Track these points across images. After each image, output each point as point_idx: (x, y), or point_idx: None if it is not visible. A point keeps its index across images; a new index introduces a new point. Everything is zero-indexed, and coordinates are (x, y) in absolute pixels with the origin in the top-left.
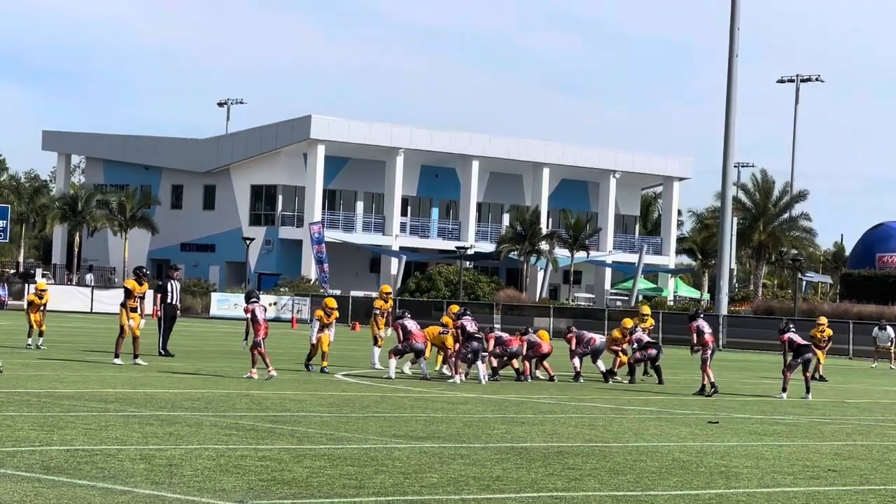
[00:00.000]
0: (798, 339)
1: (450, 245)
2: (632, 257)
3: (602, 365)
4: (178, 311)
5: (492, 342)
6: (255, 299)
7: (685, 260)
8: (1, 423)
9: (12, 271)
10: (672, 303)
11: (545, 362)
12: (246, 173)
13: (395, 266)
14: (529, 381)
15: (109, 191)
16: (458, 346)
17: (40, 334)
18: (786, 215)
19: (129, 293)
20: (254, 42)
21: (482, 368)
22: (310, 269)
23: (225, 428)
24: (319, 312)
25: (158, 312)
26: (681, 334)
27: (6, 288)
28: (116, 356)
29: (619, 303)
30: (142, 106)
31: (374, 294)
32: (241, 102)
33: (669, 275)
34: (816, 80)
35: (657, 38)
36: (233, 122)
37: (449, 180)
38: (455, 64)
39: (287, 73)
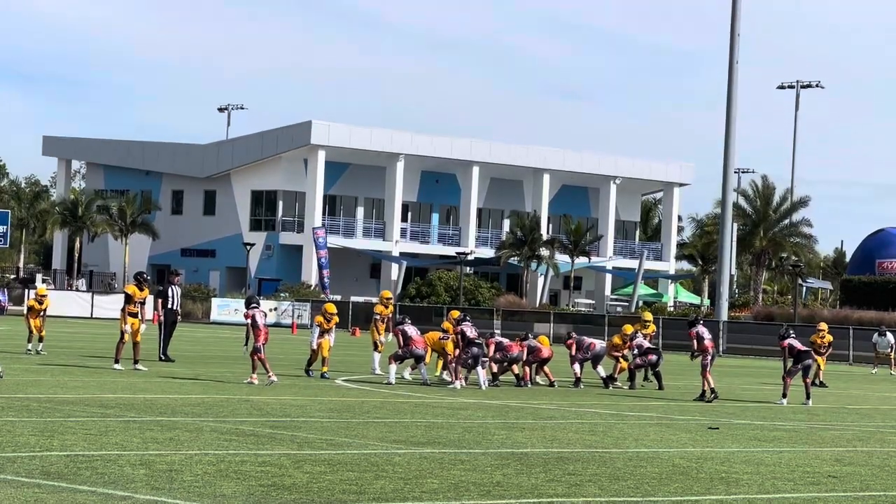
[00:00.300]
0: (798, 344)
1: (450, 251)
2: (632, 263)
3: (602, 371)
4: (179, 317)
5: (492, 347)
6: (255, 305)
7: (685, 266)
8: (1, 429)
9: (12, 276)
10: (672, 309)
11: (546, 367)
12: (246, 179)
13: (395, 271)
14: (529, 386)
15: (110, 196)
16: (458, 351)
17: (40, 339)
18: (786, 221)
19: (129, 298)
20: (254, 47)
21: (482, 374)
22: (310, 275)
23: (225, 433)
24: (319, 318)
25: (160, 317)
26: (681, 340)
27: (6, 293)
28: (116, 361)
29: (619, 308)
30: (142, 111)
31: (375, 299)
32: (242, 108)
33: (670, 281)
34: (817, 86)
35: (658, 44)
36: (233, 128)
37: (449, 186)
38: (455, 69)
39: (287, 79)
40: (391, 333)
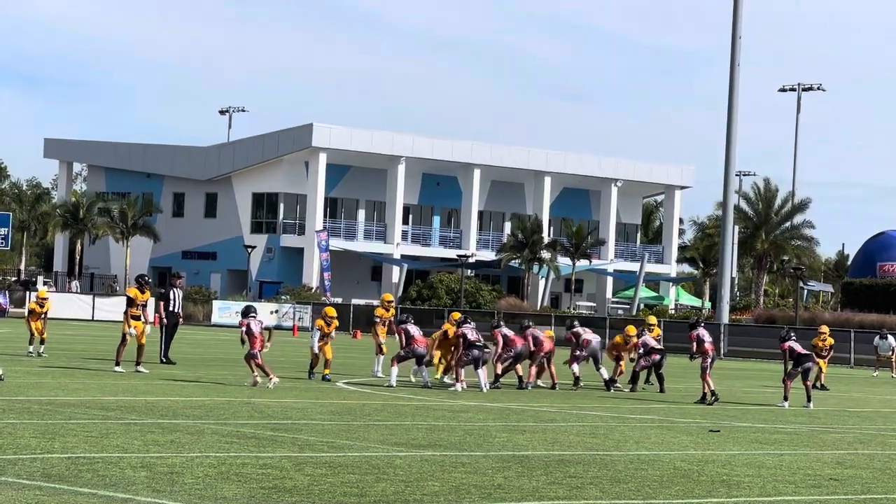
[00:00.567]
0: (798, 347)
1: (451, 253)
2: (633, 266)
3: (605, 373)
4: (181, 319)
5: (499, 337)
6: (252, 315)
7: (686, 268)
8: (2, 431)
9: (13, 279)
10: (673, 311)
11: (551, 366)
12: (247, 181)
13: (396, 274)
14: (530, 388)
15: (111, 198)
16: (459, 353)
17: (41, 342)
18: (787, 224)
19: (131, 301)
20: (255, 50)
21: (483, 376)
22: (311, 277)
23: (226, 436)
24: (320, 322)
25: (161, 320)
26: (682, 343)
27: (7, 296)
28: (117, 364)
29: (620, 311)
30: (143, 114)
31: (376, 302)
32: (243, 110)
33: (671, 283)
34: (818, 88)
35: (659, 46)
36: (234, 130)
37: (450, 188)
38: (456, 71)
39: (289, 81)
40: (395, 333)
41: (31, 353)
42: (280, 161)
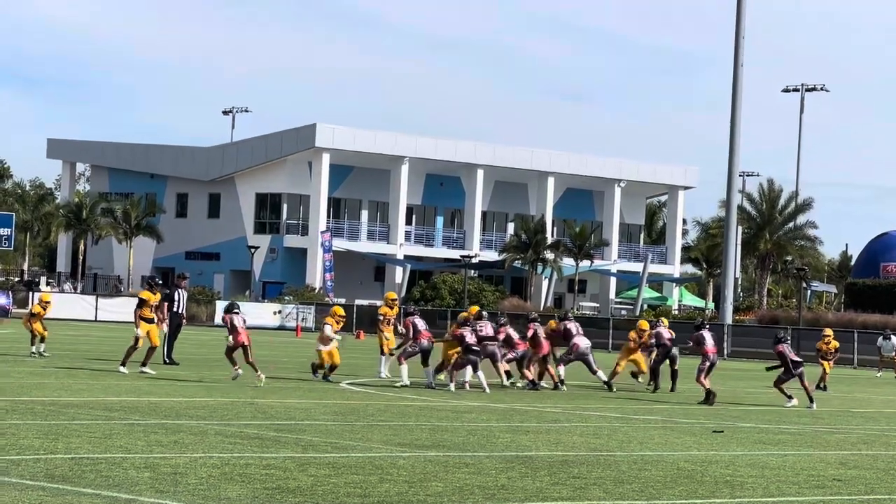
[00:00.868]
0: (791, 353)
1: (454, 254)
2: (636, 266)
3: (602, 375)
4: (184, 320)
5: (502, 336)
6: (235, 311)
7: (690, 269)
8: (5, 432)
9: (17, 279)
10: (677, 312)
11: (550, 367)
12: (251, 181)
13: (399, 275)
14: (519, 387)
15: (114, 199)
16: (456, 355)
17: (42, 339)
18: (791, 224)
19: (143, 303)
20: (259, 50)
21: (483, 378)
22: (314, 278)
23: (229, 436)
24: (330, 319)
25: (165, 321)
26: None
27: (10, 296)
28: (123, 364)
29: (623, 312)
30: (147, 114)
31: (379, 302)
32: (246, 111)
33: (674, 284)
34: (821, 89)
35: (663, 46)
36: (238, 131)
37: (454, 189)
38: (460, 72)
39: (292, 82)
40: (402, 326)
41: (34, 353)
42: (283, 161)
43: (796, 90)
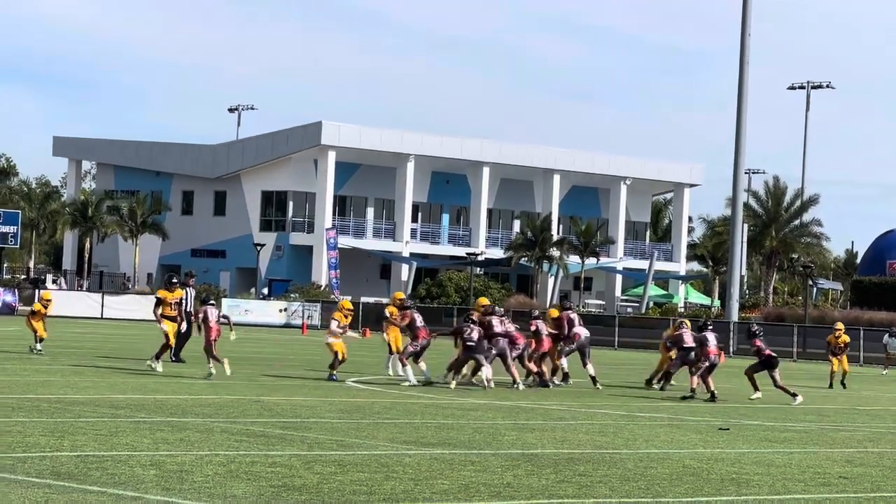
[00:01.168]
0: (765, 348)
1: (460, 251)
2: (642, 264)
3: (591, 369)
4: (193, 318)
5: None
6: (211, 302)
7: (696, 266)
8: (11, 429)
9: (23, 277)
10: (683, 309)
11: (544, 365)
12: (256, 179)
13: (405, 272)
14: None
15: (120, 197)
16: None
17: (39, 340)
18: (796, 222)
19: (160, 301)
20: (264, 48)
21: (487, 372)
22: (320, 275)
23: (235, 434)
24: (338, 314)
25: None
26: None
27: (16, 294)
28: (157, 359)
29: (629, 309)
30: (152, 112)
31: (385, 300)
32: (252, 108)
33: (680, 281)
34: (827, 86)
35: (668, 44)
36: (243, 128)
37: (459, 186)
38: (466, 70)
39: (298, 79)
40: (402, 319)
41: (38, 350)
42: (289, 159)
43: (802, 88)
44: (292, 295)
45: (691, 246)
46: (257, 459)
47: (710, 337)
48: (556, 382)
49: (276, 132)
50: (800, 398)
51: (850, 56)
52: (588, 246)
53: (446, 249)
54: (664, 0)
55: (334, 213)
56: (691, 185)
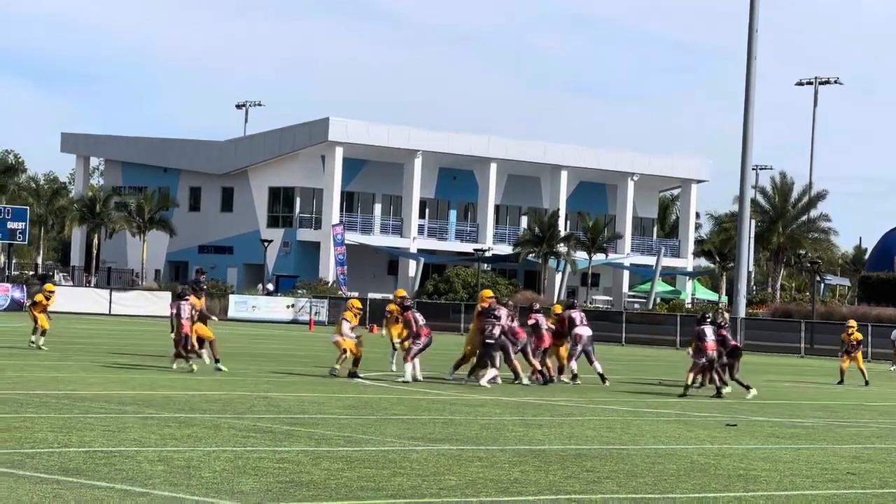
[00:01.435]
0: (732, 339)
1: (468, 247)
2: (650, 260)
3: (599, 366)
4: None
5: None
6: (185, 297)
7: (703, 262)
8: (20, 425)
9: (31, 273)
10: (690, 305)
11: (549, 361)
12: (264, 175)
13: (412, 268)
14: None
15: (128, 193)
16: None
17: (42, 333)
18: (804, 218)
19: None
20: (272, 44)
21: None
22: (328, 271)
23: (243, 430)
24: (348, 314)
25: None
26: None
27: (25, 290)
28: (190, 357)
29: (636, 305)
30: (160, 108)
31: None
32: (259, 105)
33: (687, 277)
34: (835, 82)
35: (675, 39)
36: (251, 125)
37: (467, 182)
38: (473, 66)
39: (305, 76)
40: (403, 318)
41: (32, 343)
42: (296, 155)
43: (810, 83)
44: (299, 291)
45: (698, 242)
46: (265, 455)
47: (708, 331)
48: (565, 380)
49: (284, 128)
50: (754, 391)
51: (858, 51)
52: (595, 242)
53: (454, 245)
54: None
55: (342, 210)
56: (698, 181)
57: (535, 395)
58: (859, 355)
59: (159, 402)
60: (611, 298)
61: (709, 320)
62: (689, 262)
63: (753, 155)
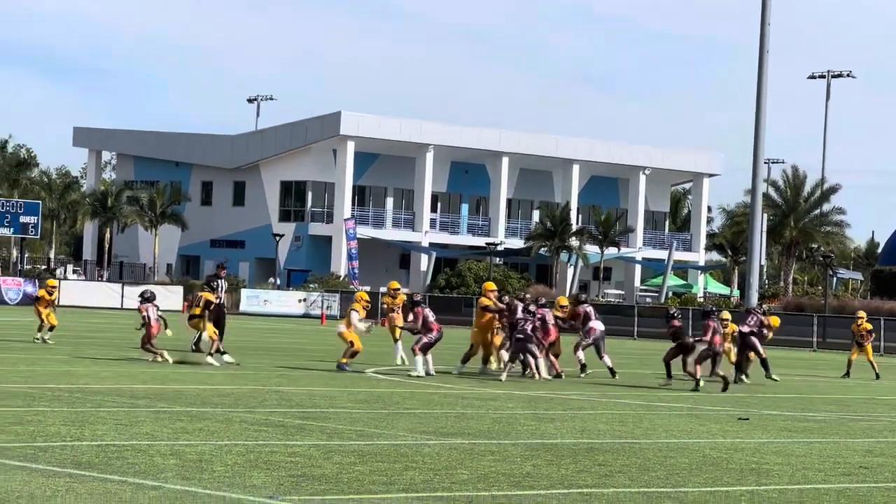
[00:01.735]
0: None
1: (480, 241)
2: (661, 254)
3: (609, 360)
4: (225, 309)
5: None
6: (152, 300)
7: (715, 256)
8: (32, 419)
9: (43, 267)
10: (702, 299)
11: (552, 357)
12: (275, 169)
13: (424, 262)
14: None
15: (140, 187)
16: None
17: (50, 328)
18: (816, 211)
19: (209, 304)
20: (284, 38)
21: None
22: (339, 266)
23: (255, 424)
24: (357, 306)
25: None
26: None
27: (37, 284)
28: (214, 354)
29: (648, 299)
30: (172, 102)
31: (405, 290)
32: (271, 99)
33: (699, 271)
34: (848, 75)
35: (688, 33)
36: (262, 119)
37: (479, 176)
38: (485, 61)
39: (317, 70)
40: (412, 315)
41: (37, 339)
42: (308, 149)
43: (822, 77)
44: (311, 285)
45: (710, 236)
46: (276, 449)
47: (718, 325)
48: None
49: (296, 122)
50: (702, 384)
51: (870, 45)
52: (607, 236)
53: (465, 239)
54: None
55: (353, 203)
56: (710, 175)
57: (546, 389)
58: (869, 347)
59: (171, 396)
60: (622, 292)
61: (714, 313)
62: (700, 256)
63: (766, 148)
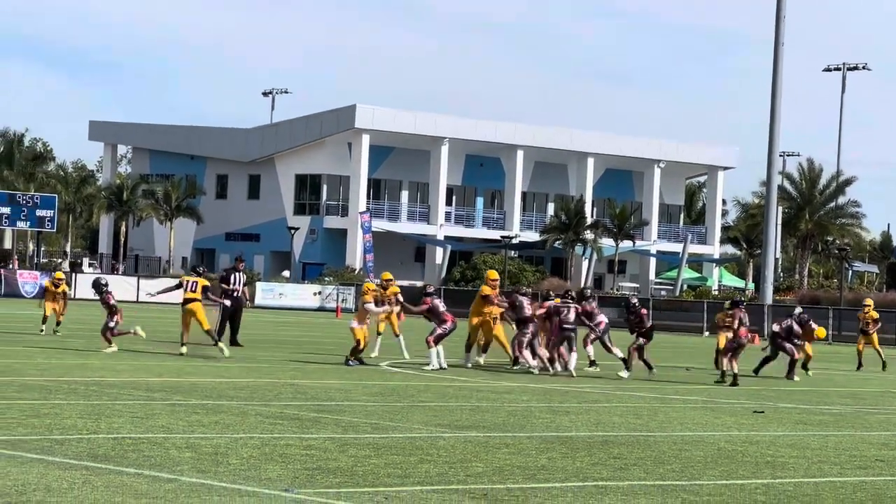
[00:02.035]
0: (648, 320)
1: (495, 234)
2: (676, 247)
3: (619, 352)
4: (247, 302)
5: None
6: (105, 287)
7: (730, 249)
8: (49, 412)
9: (59, 261)
10: (717, 292)
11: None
12: (291, 163)
13: (439, 255)
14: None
15: (155, 181)
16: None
17: (57, 322)
18: (832, 204)
19: (206, 289)
20: (299, 32)
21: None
22: (354, 259)
23: (270, 417)
24: (368, 297)
25: (226, 302)
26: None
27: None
28: (216, 343)
29: (663, 292)
30: (187, 96)
31: (419, 283)
32: (286, 92)
33: (714, 264)
34: (863, 68)
35: (702, 26)
36: (277, 112)
37: (494, 170)
38: (500, 54)
39: (332, 63)
40: (417, 307)
41: (41, 331)
42: (323, 142)
43: (838, 69)
44: (326, 278)
45: (725, 228)
46: (292, 442)
47: (744, 316)
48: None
49: (310, 116)
50: (654, 371)
51: (886, 37)
52: (622, 229)
53: (480, 232)
54: None
55: (368, 197)
56: (725, 168)
57: (561, 382)
58: (874, 336)
59: (186, 389)
60: (637, 285)
61: (742, 304)
62: (715, 249)
63: (781, 141)
